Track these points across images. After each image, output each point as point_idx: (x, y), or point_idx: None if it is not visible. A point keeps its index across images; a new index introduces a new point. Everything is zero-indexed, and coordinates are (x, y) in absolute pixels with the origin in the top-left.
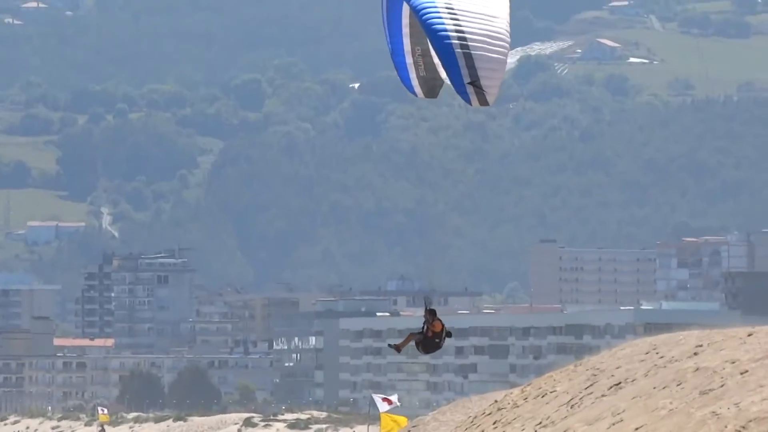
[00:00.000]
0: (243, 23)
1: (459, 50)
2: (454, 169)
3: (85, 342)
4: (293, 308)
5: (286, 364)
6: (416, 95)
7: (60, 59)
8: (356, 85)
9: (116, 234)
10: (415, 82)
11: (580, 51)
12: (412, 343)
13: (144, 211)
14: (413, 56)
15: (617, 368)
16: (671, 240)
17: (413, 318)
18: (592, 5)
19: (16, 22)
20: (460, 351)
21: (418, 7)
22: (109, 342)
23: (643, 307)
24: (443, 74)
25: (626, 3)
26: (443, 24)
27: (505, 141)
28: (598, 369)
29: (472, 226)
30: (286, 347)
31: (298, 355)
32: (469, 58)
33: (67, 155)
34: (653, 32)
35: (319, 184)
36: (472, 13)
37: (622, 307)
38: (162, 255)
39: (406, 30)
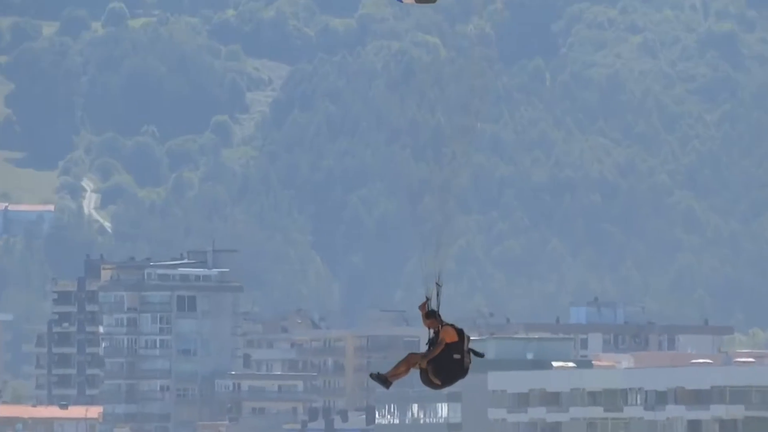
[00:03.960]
0: None
1: None
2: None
3: (55, 412)
4: (409, 351)
5: None
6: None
7: None
8: None
9: (107, 225)
10: None
11: None
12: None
13: (154, 187)
14: None
15: None
16: None
17: (614, 372)
18: None
19: None
20: (695, 428)
21: None
22: (94, 411)
23: None
24: None
25: None
26: None
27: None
28: None
29: (715, 217)
30: (397, 421)
31: None
32: None
33: (23, 90)
34: None
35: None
36: None
37: None
38: (185, 261)
39: None
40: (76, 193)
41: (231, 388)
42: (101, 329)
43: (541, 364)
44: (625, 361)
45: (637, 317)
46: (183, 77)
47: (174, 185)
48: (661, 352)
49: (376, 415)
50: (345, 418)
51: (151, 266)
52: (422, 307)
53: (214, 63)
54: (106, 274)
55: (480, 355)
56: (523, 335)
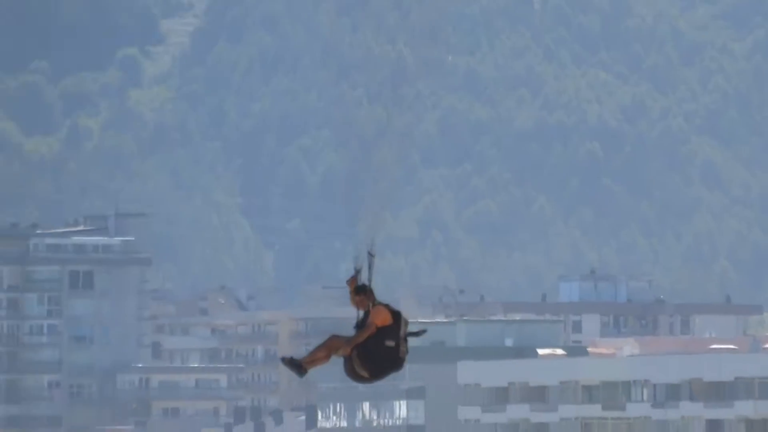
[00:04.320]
0: None
1: None
2: None
3: None
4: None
5: None
6: None
7: None
8: None
9: None
10: None
11: None
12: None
13: (43, 136)
14: None
15: None
16: None
17: (614, 361)
18: None
19: None
20: (715, 429)
21: None
22: None
23: None
24: None
25: None
26: None
27: None
28: None
29: (741, 170)
30: (344, 423)
31: None
32: None
33: None
34: None
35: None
36: None
37: None
38: (80, 229)
39: None
40: None
41: (137, 384)
42: None
43: (523, 351)
44: (628, 347)
45: (642, 294)
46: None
47: (68, 135)
48: (672, 337)
49: (319, 416)
50: (279, 420)
51: (38, 235)
52: (351, 281)
53: None
54: None
55: (418, 334)
56: (501, 317)
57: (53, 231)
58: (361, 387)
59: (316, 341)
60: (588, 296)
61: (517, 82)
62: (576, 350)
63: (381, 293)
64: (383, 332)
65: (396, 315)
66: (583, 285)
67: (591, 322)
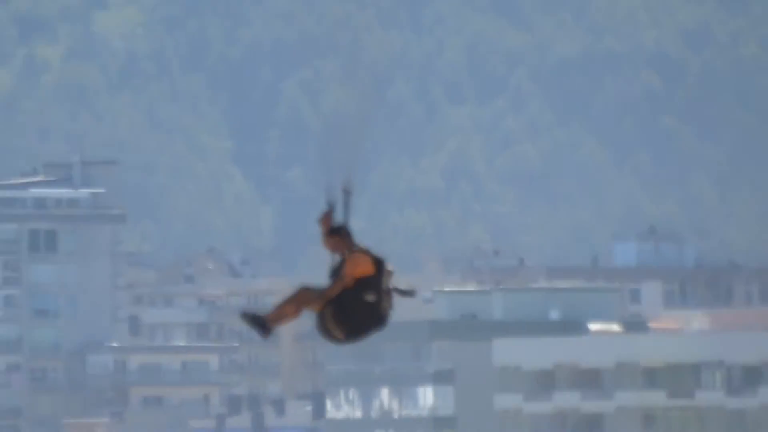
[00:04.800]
0: None
1: None
2: None
3: None
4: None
5: None
6: None
7: None
8: None
9: None
10: None
11: None
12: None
13: None
14: None
15: None
16: None
17: (681, 339)
18: None
19: None
20: None
21: None
22: None
23: None
24: None
25: None
26: None
27: None
28: None
29: None
30: (359, 413)
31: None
32: None
33: None
34: None
35: None
36: None
37: None
38: (40, 179)
39: None
40: None
41: (111, 367)
42: None
43: (571, 326)
44: (697, 322)
45: (714, 257)
46: None
47: (23, 66)
48: (750, 309)
49: (327, 406)
50: (281, 410)
51: None
52: (324, 220)
53: None
54: None
55: (407, 293)
56: (543, 284)
57: (7, 183)
58: (378, 369)
59: None
60: (648, 259)
61: (558, 1)
62: (634, 325)
63: (402, 255)
64: (362, 284)
65: (378, 263)
66: (642, 246)
67: (652, 291)
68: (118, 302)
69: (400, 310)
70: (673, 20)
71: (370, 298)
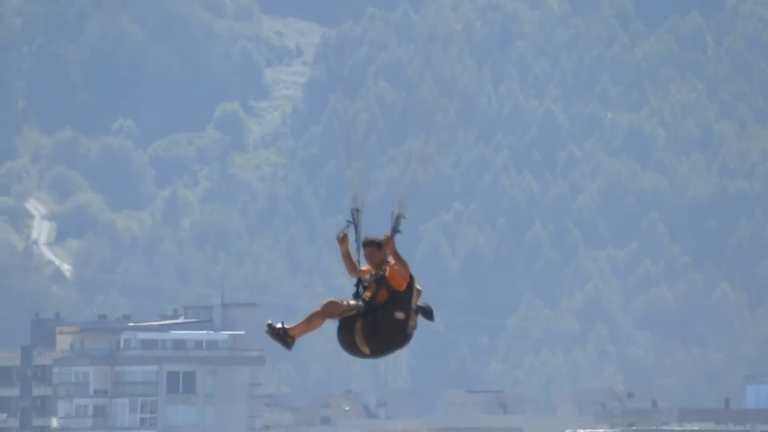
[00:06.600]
0: None
1: None
2: None
3: None
4: None
5: None
6: None
7: None
8: None
9: (66, 268)
10: None
11: None
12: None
13: (133, 210)
14: None
15: None
16: None
17: None
18: None
19: None
20: None
21: None
22: None
23: None
24: None
25: None
26: None
27: None
28: None
29: None
30: None
31: None
32: None
33: None
34: None
35: None
36: None
37: None
38: (180, 321)
39: None
40: (19, 220)
41: None
42: (55, 423)
43: None
44: None
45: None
46: (170, 46)
47: (164, 209)
48: None
49: None
50: None
51: (130, 328)
52: (342, 237)
53: (214, 25)
54: (63, 341)
55: (429, 315)
56: (676, 426)
57: (147, 324)
58: None
59: None
60: None
61: (690, 144)
62: None
63: (536, 397)
64: (393, 301)
65: (411, 280)
66: None
67: None
68: None
69: None
70: None
71: (400, 315)
